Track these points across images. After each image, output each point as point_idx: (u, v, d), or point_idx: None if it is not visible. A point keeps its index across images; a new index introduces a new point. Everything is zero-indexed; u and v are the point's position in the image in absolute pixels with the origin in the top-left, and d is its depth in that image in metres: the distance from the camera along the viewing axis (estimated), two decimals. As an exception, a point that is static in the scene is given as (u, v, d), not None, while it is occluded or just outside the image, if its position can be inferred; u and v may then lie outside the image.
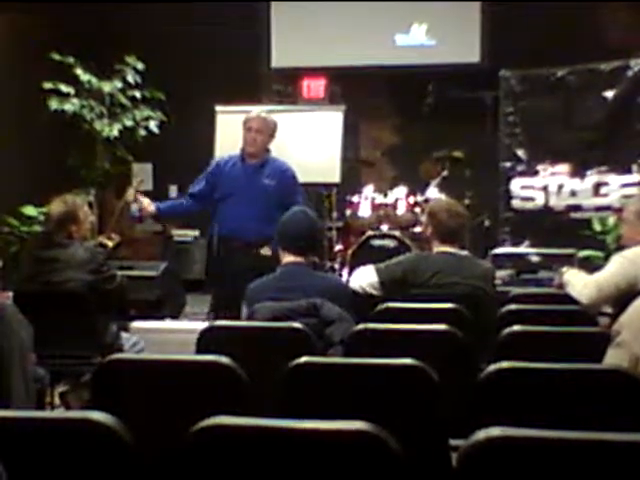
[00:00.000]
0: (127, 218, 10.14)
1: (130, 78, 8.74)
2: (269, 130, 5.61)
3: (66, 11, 9.17)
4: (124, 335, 5.12)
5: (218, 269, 5.58)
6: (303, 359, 2.51)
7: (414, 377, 2.44)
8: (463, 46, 9.52)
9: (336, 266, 8.06)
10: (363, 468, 1.71)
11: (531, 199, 8.57)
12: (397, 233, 7.65)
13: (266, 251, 5.49)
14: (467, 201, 8.19)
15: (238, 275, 5.40)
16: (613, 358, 2.95)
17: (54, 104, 8.41)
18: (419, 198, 8.03)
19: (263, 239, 5.45)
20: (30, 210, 8.26)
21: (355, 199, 8.14)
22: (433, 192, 8.13)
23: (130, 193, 5.78)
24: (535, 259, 7.61)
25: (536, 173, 8.55)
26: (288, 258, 4.01)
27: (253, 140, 5.56)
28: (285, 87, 10.11)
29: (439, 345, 3.09)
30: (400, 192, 8.10)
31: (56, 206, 4.93)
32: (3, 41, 8.90)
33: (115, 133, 8.69)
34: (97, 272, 4.84)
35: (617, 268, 4.29)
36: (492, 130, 8.78)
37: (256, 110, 5.73)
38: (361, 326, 3.24)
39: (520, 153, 8.64)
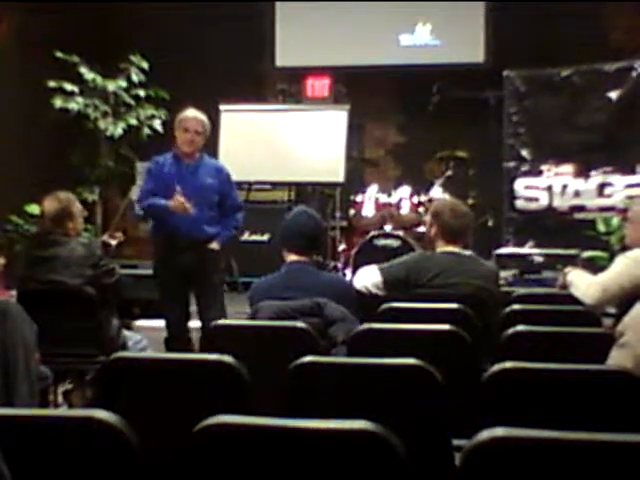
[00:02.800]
0: (131, 217, 10.18)
1: (134, 77, 8.74)
2: (206, 131, 5.62)
3: (70, 10, 9.19)
4: (127, 333, 5.12)
5: (164, 268, 5.56)
6: (306, 358, 2.50)
7: (417, 377, 2.44)
8: (467, 46, 9.52)
9: (339, 265, 8.06)
10: (366, 468, 1.71)
11: (535, 199, 8.57)
12: (401, 233, 7.64)
13: (214, 245, 5.52)
14: (471, 201, 8.19)
15: (185, 274, 5.43)
16: (617, 359, 2.95)
17: (58, 103, 8.42)
18: (423, 198, 8.03)
19: (209, 237, 5.51)
20: (34, 209, 8.26)
21: (359, 199, 8.14)
22: (437, 192, 8.13)
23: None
24: (539, 259, 7.61)
25: (540, 173, 8.55)
26: (292, 257, 4.01)
27: (191, 141, 5.53)
28: (289, 86, 10.11)
29: (443, 345, 3.09)
30: (404, 192, 8.10)
31: (50, 204, 4.92)
32: (8, 40, 8.91)
33: (119, 132, 8.69)
34: (97, 266, 4.85)
35: (621, 269, 4.28)
36: (496, 130, 8.77)
37: (191, 110, 5.70)
38: (365, 326, 3.24)
39: (524, 153, 8.64)
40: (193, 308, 5.66)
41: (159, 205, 5.47)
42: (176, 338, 5.43)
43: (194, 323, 5.62)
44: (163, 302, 5.61)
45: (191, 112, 5.65)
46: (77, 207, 5.02)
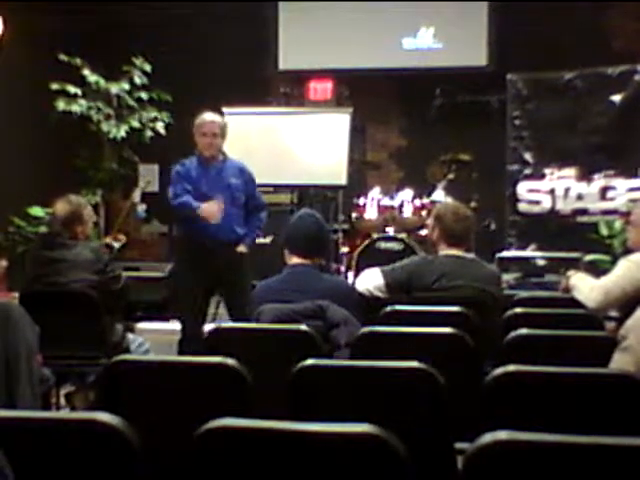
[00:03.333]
0: (133, 219, 10.19)
1: (137, 79, 8.76)
2: (223, 132, 5.65)
3: (73, 12, 9.20)
4: (130, 336, 5.12)
5: (188, 269, 5.58)
6: (309, 361, 2.50)
7: (420, 380, 2.44)
8: (470, 49, 9.52)
9: (342, 268, 8.06)
10: (369, 471, 1.70)
11: (538, 202, 8.56)
12: (403, 236, 7.65)
13: (242, 248, 5.58)
14: (473, 204, 8.18)
15: (212, 276, 5.45)
16: (619, 362, 2.94)
17: (61, 105, 8.43)
18: (425, 201, 8.03)
19: (238, 239, 5.57)
20: (36, 211, 8.28)
21: (361, 201, 8.13)
22: (439, 195, 8.13)
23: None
24: (541, 262, 7.61)
25: (543, 176, 8.55)
26: (295, 260, 4.00)
27: (210, 144, 5.58)
28: (292, 89, 10.12)
29: (445, 348, 3.08)
30: (406, 195, 8.10)
31: (61, 206, 4.94)
32: (11, 42, 8.92)
33: (122, 134, 8.71)
34: (103, 272, 4.86)
35: (624, 272, 4.28)
36: (499, 133, 8.77)
37: (208, 114, 5.74)
38: (367, 329, 3.24)
39: (527, 156, 8.64)
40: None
41: (190, 205, 5.50)
42: (191, 340, 5.43)
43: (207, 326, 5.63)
44: (181, 303, 5.62)
45: (207, 115, 5.70)
46: (88, 211, 5.04)
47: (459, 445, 2.38)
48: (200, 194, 5.51)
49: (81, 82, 8.60)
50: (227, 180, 5.61)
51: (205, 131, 5.58)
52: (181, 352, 5.35)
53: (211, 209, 5.41)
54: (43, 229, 7.92)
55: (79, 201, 5.05)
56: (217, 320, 6.66)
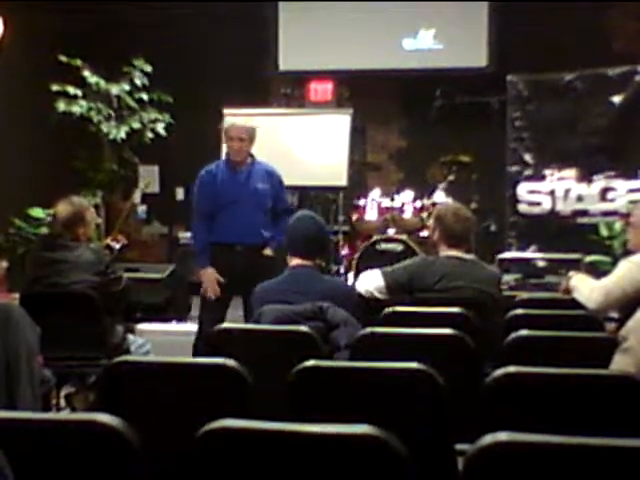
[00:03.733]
0: (134, 220, 10.19)
1: (137, 80, 8.75)
2: (250, 137, 5.69)
3: (74, 13, 9.20)
4: (130, 337, 5.12)
5: (231, 272, 5.60)
6: (309, 363, 2.50)
7: (420, 381, 2.44)
8: (470, 50, 9.51)
9: (342, 270, 8.06)
10: (369, 472, 1.70)
11: (538, 204, 8.56)
12: (404, 237, 7.65)
13: (268, 251, 5.63)
14: (474, 205, 8.18)
15: (236, 279, 5.47)
16: (620, 364, 2.94)
17: (62, 106, 8.43)
18: (426, 202, 8.03)
19: (264, 242, 5.63)
20: (37, 212, 8.27)
21: (362, 203, 8.14)
22: (440, 196, 8.13)
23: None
24: (541, 264, 7.60)
25: (543, 178, 8.55)
26: (295, 261, 4.01)
27: (238, 149, 5.64)
28: (292, 90, 10.12)
29: (445, 349, 3.09)
30: (407, 196, 8.10)
31: (63, 208, 4.94)
32: (11, 43, 8.91)
33: (122, 135, 8.70)
34: (104, 274, 4.86)
35: (625, 273, 4.28)
36: (499, 134, 8.77)
37: (237, 119, 5.81)
38: (367, 330, 3.24)
39: (527, 158, 8.63)
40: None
41: (197, 247, 5.74)
42: (208, 341, 5.44)
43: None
44: (204, 304, 5.64)
45: (235, 121, 5.81)
46: (90, 213, 5.05)
47: (459, 446, 2.38)
48: (225, 200, 5.57)
49: (81, 83, 8.59)
50: (254, 185, 5.65)
51: (232, 135, 5.64)
52: (196, 353, 5.38)
53: (209, 281, 5.52)
54: (44, 230, 7.92)
55: (81, 202, 5.05)
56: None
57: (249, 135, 5.67)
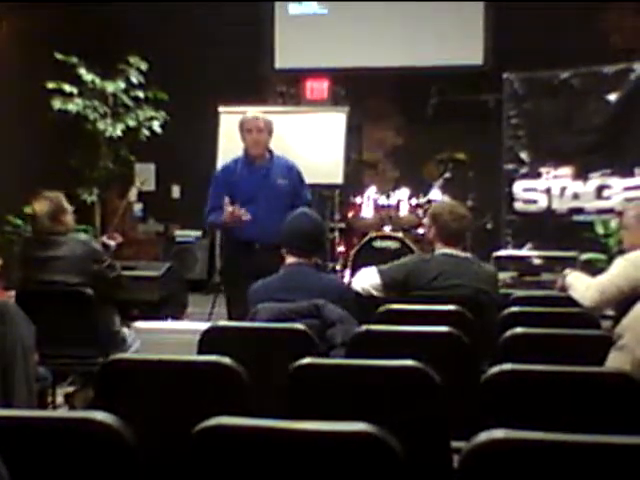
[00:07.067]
0: (129, 218, 10.18)
1: (133, 78, 8.74)
2: (268, 128, 5.56)
3: (69, 11, 9.19)
4: (125, 331, 5.13)
5: (235, 271, 5.56)
6: (305, 360, 2.50)
7: (416, 379, 2.44)
8: (466, 48, 9.52)
9: (338, 267, 8.06)
10: (365, 469, 1.71)
11: (534, 202, 8.57)
12: (399, 234, 7.65)
13: None
14: (470, 203, 8.19)
15: (257, 276, 5.45)
16: (615, 361, 2.94)
17: (57, 104, 8.41)
18: (422, 200, 8.04)
19: None
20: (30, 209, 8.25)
21: (358, 200, 8.14)
22: (436, 194, 8.14)
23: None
24: (537, 261, 7.61)
25: (539, 176, 8.55)
26: (291, 259, 4.01)
27: (256, 141, 5.50)
28: (288, 88, 10.11)
29: (441, 347, 3.09)
30: (403, 194, 8.10)
31: (42, 204, 4.92)
32: (7, 41, 8.91)
33: (118, 133, 8.69)
34: (99, 261, 4.87)
35: (620, 271, 4.29)
36: (495, 132, 8.78)
37: (250, 111, 5.70)
38: (363, 328, 3.24)
39: (523, 155, 8.64)
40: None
41: (218, 223, 5.53)
42: None
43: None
44: (229, 302, 5.63)
45: (249, 113, 5.65)
46: (65, 201, 5.04)
47: (455, 444, 2.38)
48: (244, 197, 5.42)
49: (77, 81, 8.58)
50: (273, 181, 5.52)
51: (250, 127, 5.49)
52: None
53: (228, 215, 5.33)
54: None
55: (55, 194, 5.03)
56: (213, 319, 6.66)
57: (267, 126, 5.54)
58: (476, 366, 3.14)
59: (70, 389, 4.96)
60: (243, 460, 1.78)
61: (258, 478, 1.79)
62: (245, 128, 5.53)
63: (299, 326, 3.28)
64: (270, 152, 5.63)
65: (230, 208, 5.31)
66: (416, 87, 9.41)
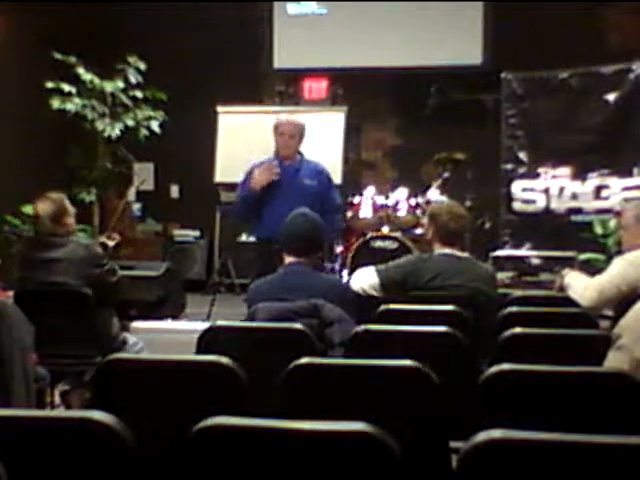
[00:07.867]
0: (128, 218, 10.18)
1: (132, 78, 8.73)
2: (300, 132, 5.76)
3: (68, 10, 9.19)
4: (126, 335, 5.12)
5: (265, 268, 5.57)
6: (303, 360, 2.50)
7: (414, 379, 2.44)
8: (465, 48, 9.52)
9: (337, 267, 8.06)
10: (363, 469, 1.71)
11: (532, 202, 8.57)
12: (398, 235, 7.64)
13: None
14: (468, 203, 8.19)
15: None
16: (614, 361, 2.95)
17: (56, 103, 8.40)
18: (420, 200, 8.03)
19: None
20: (30, 209, 8.24)
21: (356, 200, 8.13)
22: (434, 194, 8.13)
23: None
24: (536, 262, 7.61)
25: (537, 176, 8.55)
26: (290, 259, 4.01)
27: (287, 144, 5.69)
28: (287, 88, 10.11)
29: (439, 347, 3.09)
30: (401, 194, 8.09)
31: (45, 205, 4.91)
32: (5, 40, 8.90)
33: (117, 133, 8.68)
34: (100, 266, 4.86)
35: (618, 271, 4.29)
36: (493, 132, 8.77)
37: (285, 115, 5.83)
38: (361, 327, 3.24)
39: (521, 155, 8.64)
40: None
41: (243, 195, 5.70)
42: None
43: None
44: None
45: (284, 116, 5.86)
46: (68, 203, 5.03)
47: (453, 444, 2.38)
48: (271, 194, 5.57)
49: (75, 80, 8.57)
50: (301, 181, 5.67)
51: (283, 131, 5.70)
52: None
53: (261, 172, 5.53)
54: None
55: (58, 195, 5.02)
56: (212, 318, 6.66)
57: (299, 131, 5.74)
58: (474, 366, 3.14)
59: (66, 387, 4.95)
60: (241, 460, 1.78)
61: (256, 478, 1.79)
62: (278, 131, 5.74)
63: (297, 326, 3.29)
64: (300, 154, 5.80)
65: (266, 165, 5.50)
66: (415, 87, 9.41)
